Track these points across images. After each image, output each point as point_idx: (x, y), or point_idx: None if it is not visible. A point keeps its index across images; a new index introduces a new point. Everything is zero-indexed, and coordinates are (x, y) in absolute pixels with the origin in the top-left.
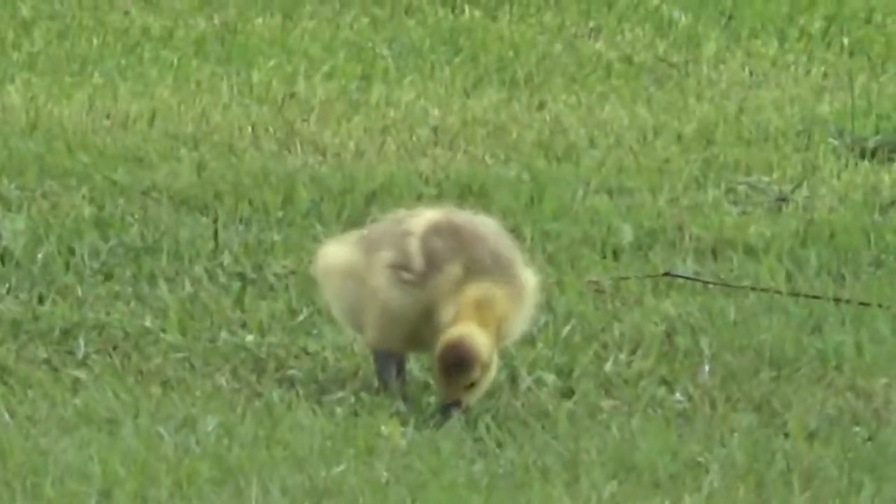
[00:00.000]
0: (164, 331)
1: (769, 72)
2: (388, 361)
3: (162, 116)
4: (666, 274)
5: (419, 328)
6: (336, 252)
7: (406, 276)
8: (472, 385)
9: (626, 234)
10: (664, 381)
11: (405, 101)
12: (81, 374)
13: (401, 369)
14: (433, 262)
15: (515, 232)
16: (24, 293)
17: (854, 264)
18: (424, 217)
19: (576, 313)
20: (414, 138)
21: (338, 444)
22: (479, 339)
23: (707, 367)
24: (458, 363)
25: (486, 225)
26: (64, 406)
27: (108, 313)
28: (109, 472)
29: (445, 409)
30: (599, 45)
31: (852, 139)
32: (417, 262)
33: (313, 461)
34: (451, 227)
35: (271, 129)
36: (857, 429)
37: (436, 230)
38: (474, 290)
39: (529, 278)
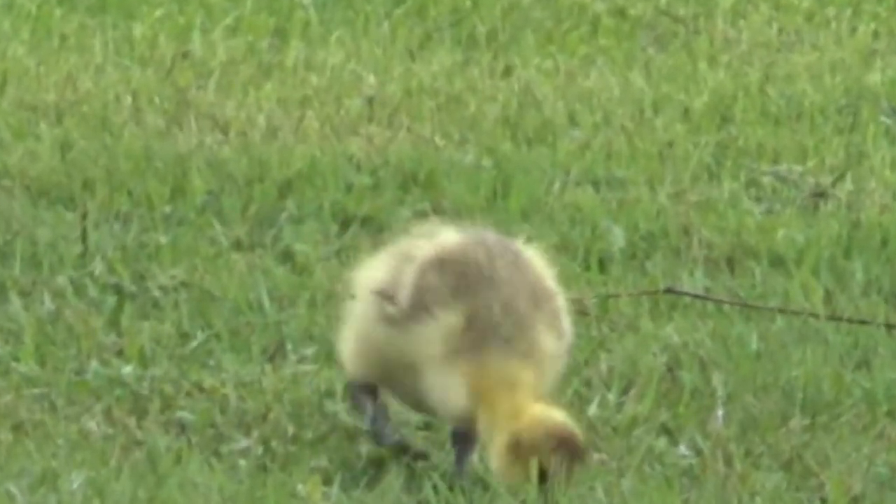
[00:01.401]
0: (16, 359)
1: (803, 29)
2: (364, 394)
3: (15, 81)
4: (668, 290)
5: (403, 378)
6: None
7: (389, 308)
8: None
9: (617, 238)
10: (665, 430)
11: (331, 64)
12: None
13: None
14: (422, 303)
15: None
16: None
17: None
18: (435, 242)
19: None
20: (342, 112)
21: None
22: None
23: (721, 413)
24: (582, 450)
25: (516, 264)
26: None
27: None
28: None
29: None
30: None
31: None
32: (404, 295)
33: None
34: (460, 260)
35: (157, 99)
36: None
37: (440, 262)
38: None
39: (550, 344)
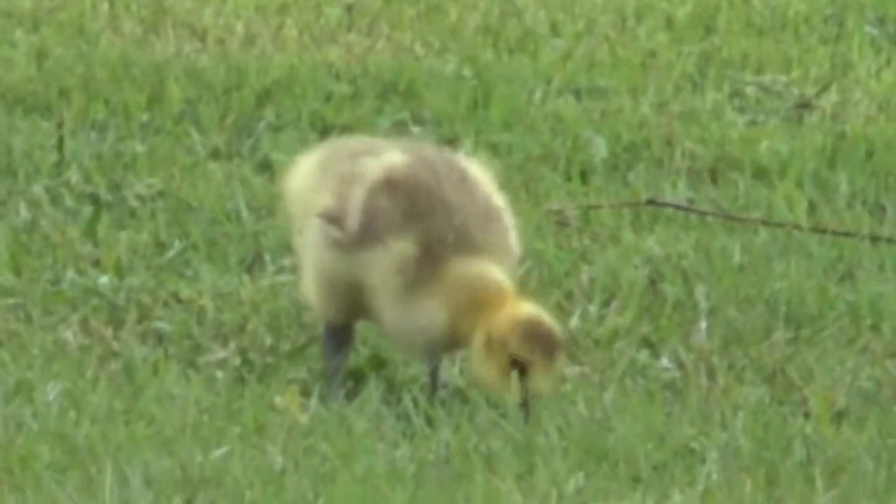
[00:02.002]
0: None
1: None
2: (338, 339)
3: None
4: (650, 202)
5: (359, 302)
6: (300, 172)
7: (334, 233)
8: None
9: (599, 148)
10: (647, 343)
11: None
12: None
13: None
14: (372, 228)
15: (454, 144)
16: None
17: None
18: (381, 162)
19: (532, 252)
20: (321, 20)
21: (218, 420)
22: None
23: (704, 326)
24: (556, 338)
25: (464, 185)
26: None
27: None
28: None
29: (524, 404)
30: None
31: None
32: (353, 220)
33: (186, 442)
34: (411, 183)
35: (134, 7)
36: None
37: (389, 185)
38: (470, 269)
39: (514, 252)
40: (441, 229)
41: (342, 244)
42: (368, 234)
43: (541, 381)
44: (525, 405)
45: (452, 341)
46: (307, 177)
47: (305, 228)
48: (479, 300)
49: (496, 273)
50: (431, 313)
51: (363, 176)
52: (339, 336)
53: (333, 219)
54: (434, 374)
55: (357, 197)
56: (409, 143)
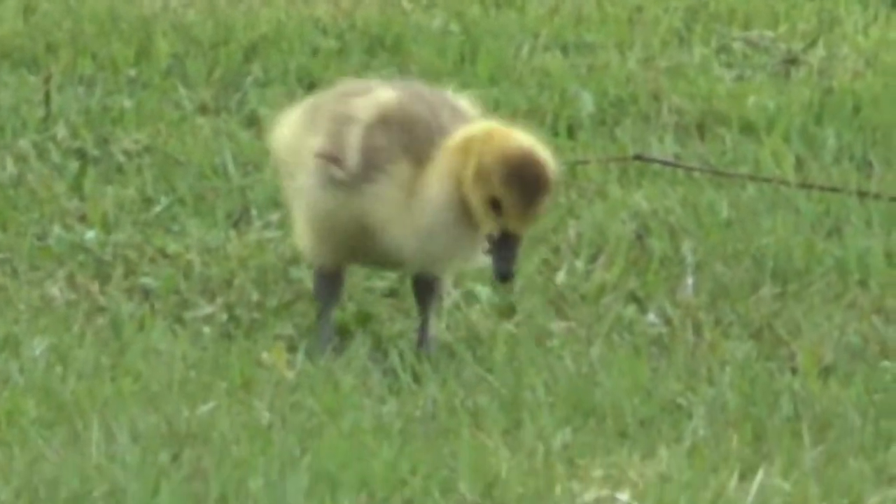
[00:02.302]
0: None
1: None
2: (330, 284)
3: None
4: (637, 157)
5: (360, 242)
6: (286, 124)
7: (337, 172)
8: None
9: (586, 103)
10: (634, 298)
11: None
12: None
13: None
14: (373, 163)
15: None
16: None
17: (884, 147)
18: (373, 100)
19: None
20: None
21: (205, 376)
22: (545, 149)
23: (691, 281)
24: (541, 176)
25: (455, 114)
26: None
27: None
28: None
29: (502, 255)
30: None
31: None
32: (353, 157)
33: (172, 398)
34: (405, 117)
35: None
36: (885, 363)
37: (384, 121)
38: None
39: None
40: (434, 144)
41: (343, 183)
42: (370, 169)
43: (515, 221)
44: (502, 253)
45: (472, 220)
46: (297, 124)
47: (298, 172)
48: (468, 143)
49: (484, 122)
50: (436, 192)
51: (357, 115)
52: (332, 281)
53: (332, 158)
54: (423, 327)
55: (354, 136)
56: (399, 81)
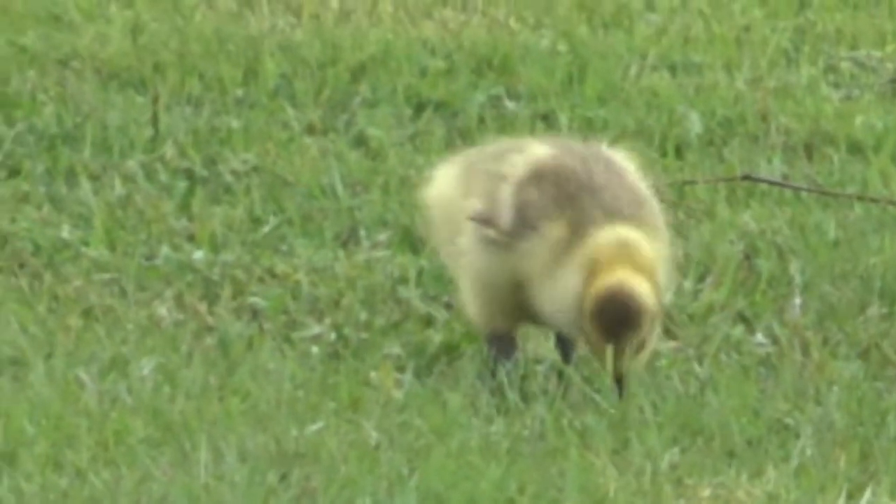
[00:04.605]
0: (86, 244)
1: None
2: (504, 348)
3: None
4: (746, 177)
5: (520, 301)
6: (439, 181)
7: (490, 233)
8: (639, 347)
9: (694, 124)
10: (742, 318)
11: None
12: None
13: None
14: (526, 220)
15: (548, 119)
16: None
17: None
18: (525, 156)
19: None
20: None
21: (313, 396)
22: (640, 284)
23: (798, 301)
24: (623, 317)
25: (610, 170)
26: None
27: (13, 220)
28: (13, 430)
29: (617, 379)
30: None
31: None
32: (505, 216)
33: (280, 417)
34: (558, 172)
35: None
36: None
37: (536, 177)
38: (610, 233)
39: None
40: (590, 208)
41: (498, 242)
42: (522, 226)
43: (618, 358)
44: (617, 378)
45: None
46: (451, 184)
47: (458, 237)
48: (595, 263)
49: (630, 237)
50: (568, 281)
51: (510, 172)
52: (505, 343)
53: (486, 220)
54: (564, 345)
55: (506, 193)
56: (552, 138)
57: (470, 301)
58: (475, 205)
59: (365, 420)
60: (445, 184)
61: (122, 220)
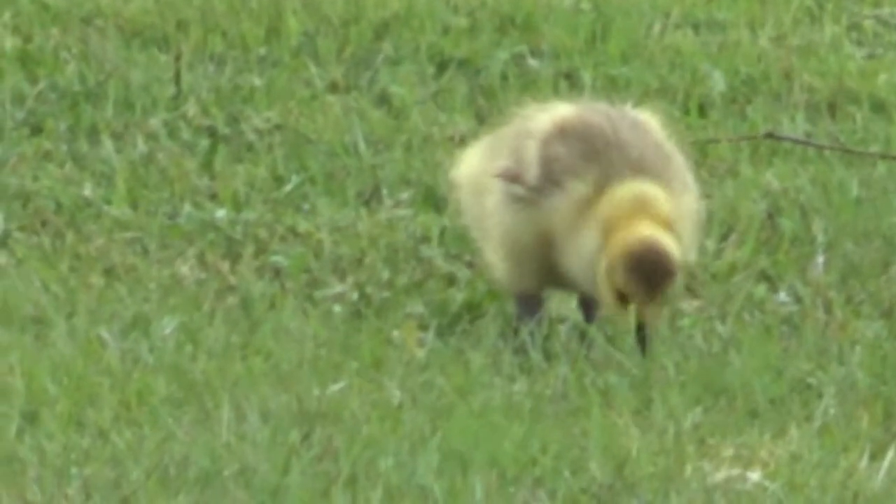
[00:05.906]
0: (108, 202)
1: None
2: (530, 307)
3: None
4: (769, 135)
5: (547, 260)
6: (468, 160)
7: (516, 189)
8: (667, 300)
9: (717, 82)
10: (765, 277)
11: None
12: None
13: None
14: (552, 175)
15: (572, 78)
16: None
17: None
18: (551, 114)
19: None
20: None
21: (335, 355)
22: (666, 238)
23: (821, 260)
24: (659, 267)
25: (636, 128)
26: None
27: (35, 178)
28: (35, 389)
29: (640, 337)
30: None
31: None
32: (532, 172)
33: (303, 377)
34: (584, 128)
35: None
36: None
37: (562, 133)
38: (629, 190)
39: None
40: (617, 165)
41: (525, 199)
42: (548, 183)
43: (646, 313)
44: (640, 336)
45: None
46: (478, 157)
47: (484, 197)
48: (613, 218)
49: (647, 191)
50: (591, 239)
51: (535, 128)
52: (532, 303)
53: (512, 176)
54: (587, 305)
55: (532, 149)
56: (579, 100)
57: (498, 262)
58: (500, 163)
59: (387, 379)
60: (474, 163)
61: (144, 179)
